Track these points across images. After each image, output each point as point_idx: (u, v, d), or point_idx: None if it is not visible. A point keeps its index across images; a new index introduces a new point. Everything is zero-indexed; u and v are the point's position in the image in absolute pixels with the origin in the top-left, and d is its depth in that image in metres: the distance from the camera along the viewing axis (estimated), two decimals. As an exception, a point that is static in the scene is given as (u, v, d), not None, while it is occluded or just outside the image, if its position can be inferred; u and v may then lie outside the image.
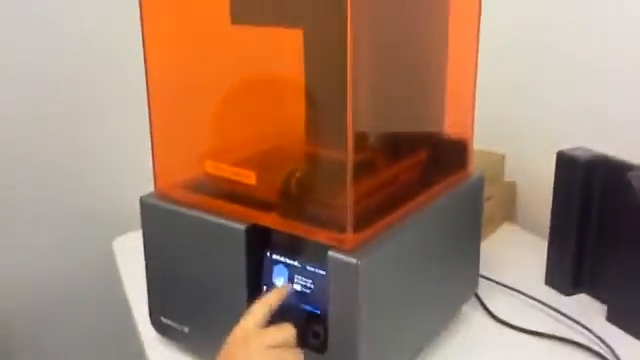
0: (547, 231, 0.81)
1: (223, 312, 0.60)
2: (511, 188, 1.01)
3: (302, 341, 0.53)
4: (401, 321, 0.59)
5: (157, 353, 0.68)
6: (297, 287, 0.57)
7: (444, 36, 0.67)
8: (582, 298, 0.79)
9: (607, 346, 0.67)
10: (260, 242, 0.58)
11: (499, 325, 0.73)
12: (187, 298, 0.63)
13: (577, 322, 0.71)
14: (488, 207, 0.88)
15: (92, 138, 1.04)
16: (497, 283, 0.81)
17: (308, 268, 0.56)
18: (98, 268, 1.04)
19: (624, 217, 0.70)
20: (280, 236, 0.57)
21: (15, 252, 1.02)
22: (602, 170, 0.74)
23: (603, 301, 0.76)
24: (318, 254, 0.53)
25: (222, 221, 0.58)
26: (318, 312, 0.55)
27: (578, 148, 0.77)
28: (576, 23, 0.88)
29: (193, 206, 0.61)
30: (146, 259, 0.66)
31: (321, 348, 0.54)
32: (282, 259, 0.58)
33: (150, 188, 0.65)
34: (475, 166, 0.72)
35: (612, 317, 0.73)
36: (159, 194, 0.64)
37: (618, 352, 0.66)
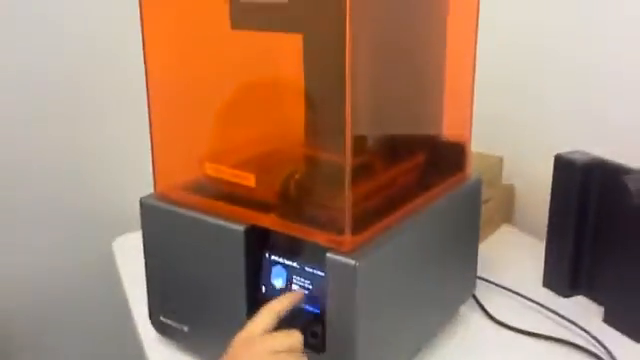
0: (545, 233, 0.81)
1: (222, 312, 0.61)
2: (509, 190, 1.02)
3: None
4: (399, 322, 0.60)
5: (156, 352, 0.69)
6: (296, 288, 0.57)
7: (442, 40, 0.67)
8: (579, 300, 0.79)
9: (604, 348, 0.67)
10: (259, 243, 0.59)
11: (497, 326, 0.74)
12: (186, 298, 0.64)
13: (574, 324, 0.72)
14: (486, 209, 0.89)
15: (92, 139, 1.04)
16: (495, 285, 0.81)
17: (307, 269, 0.56)
18: (98, 268, 1.04)
19: (621, 220, 0.70)
20: (279, 237, 0.58)
21: (15, 252, 1.03)
22: (599, 173, 0.75)
23: (600, 303, 0.77)
24: (316, 255, 0.54)
25: (221, 222, 0.58)
26: (316, 312, 0.55)
27: (576, 151, 0.78)
28: (576, 26, 0.88)
29: (193, 207, 0.61)
30: (146, 259, 0.66)
31: (319, 348, 0.54)
32: (281, 260, 0.58)
33: (150, 189, 0.65)
34: (473, 168, 0.72)
35: (609, 319, 0.73)
36: (159, 195, 0.65)
37: (615, 354, 0.66)
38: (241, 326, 0.57)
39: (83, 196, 1.05)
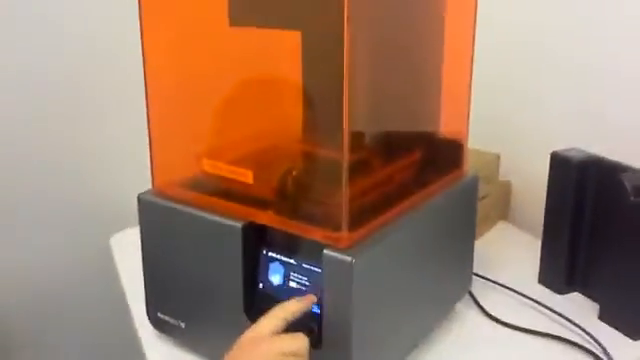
0: (541, 230, 0.82)
1: (219, 308, 0.61)
2: (506, 187, 1.02)
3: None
4: (395, 318, 0.60)
5: (154, 348, 0.69)
6: (293, 284, 0.57)
7: (440, 37, 0.67)
8: (575, 297, 0.80)
9: (599, 344, 0.68)
10: (256, 240, 0.59)
11: (493, 323, 0.74)
12: (184, 294, 0.64)
13: (570, 320, 0.72)
14: (483, 206, 0.89)
15: (91, 136, 1.04)
16: (491, 281, 0.81)
17: (304, 266, 0.57)
18: (96, 264, 1.04)
19: (617, 217, 0.70)
20: (276, 234, 0.58)
21: (14, 248, 1.03)
22: (595, 171, 0.75)
23: (595, 300, 0.77)
24: (314, 252, 0.54)
25: (219, 219, 0.58)
26: (313, 309, 0.55)
27: (572, 149, 0.78)
28: (573, 25, 0.88)
29: (190, 204, 0.61)
30: (143, 256, 0.66)
31: (316, 344, 0.54)
32: (278, 256, 0.58)
33: (148, 185, 0.66)
34: (470, 165, 0.72)
35: (604, 316, 0.74)
36: (157, 191, 0.65)
37: (610, 350, 0.67)
38: (239, 322, 0.58)
39: (81, 192, 1.05)
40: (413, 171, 0.67)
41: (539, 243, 0.82)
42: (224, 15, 0.60)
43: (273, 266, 0.59)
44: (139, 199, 0.65)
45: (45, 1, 0.96)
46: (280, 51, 0.61)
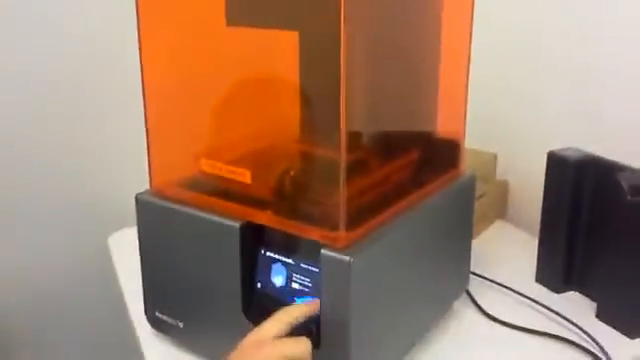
0: (538, 229, 0.82)
1: (218, 308, 0.61)
2: (503, 186, 1.02)
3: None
4: (393, 318, 0.60)
5: (152, 348, 0.69)
6: (291, 284, 0.57)
7: (437, 36, 0.68)
8: (572, 295, 0.80)
9: (596, 343, 0.68)
10: (254, 239, 0.59)
11: (490, 322, 0.74)
12: (182, 294, 0.64)
13: (567, 319, 0.72)
14: (480, 205, 0.90)
15: (89, 136, 1.04)
16: (488, 280, 0.82)
17: (302, 265, 0.57)
18: (94, 263, 1.04)
19: (613, 217, 0.71)
20: (274, 234, 0.58)
21: (12, 248, 1.03)
22: (592, 170, 0.75)
23: (593, 299, 0.77)
24: (312, 252, 0.54)
25: (217, 218, 0.59)
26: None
27: (569, 148, 0.78)
28: (570, 25, 0.88)
29: (188, 203, 0.61)
30: (141, 256, 0.66)
31: (314, 344, 0.54)
32: (276, 256, 0.58)
33: (146, 185, 0.66)
34: (467, 165, 0.73)
35: (601, 314, 0.74)
36: (155, 191, 0.65)
37: (607, 349, 0.67)
38: (237, 322, 0.58)
39: (79, 192, 1.05)
40: (410, 171, 0.67)
41: (536, 242, 0.83)
42: (221, 15, 0.60)
43: (271, 266, 0.59)
44: (137, 199, 0.65)
45: (45, 1, 0.95)
46: (278, 51, 0.61)
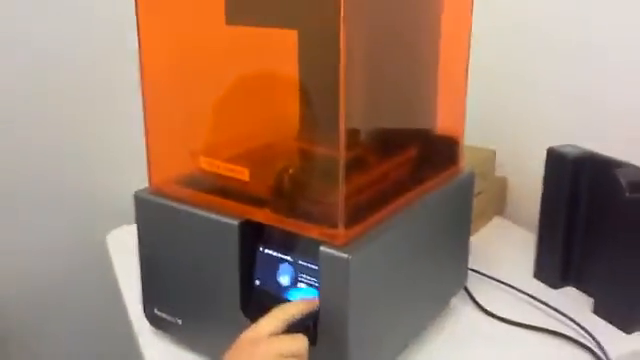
0: (537, 225, 0.82)
1: (216, 306, 0.61)
2: (502, 183, 1.03)
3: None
4: (391, 314, 0.60)
5: (151, 345, 0.69)
6: (289, 282, 0.58)
7: (436, 34, 0.68)
8: (570, 291, 0.80)
9: (593, 338, 0.68)
10: (253, 237, 0.59)
11: (488, 318, 0.74)
12: (181, 291, 0.64)
13: (565, 315, 0.73)
14: (479, 202, 0.90)
15: (89, 133, 1.04)
16: (486, 277, 0.82)
17: (300, 263, 0.57)
18: (93, 261, 1.04)
19: (611, 213, 0.71)
20: (273, 231, 0.58)
21: (12, 244, 1.02)
22: (591, 167, 0.76)
23: (590, 294, 0.78)
24: (310, 249, 0.54)
25: (216, 216, 0.59)
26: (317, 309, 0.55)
27: (568, 145, 0.78)
28: (570, 19, 0.88)
29: (187, 201, 0.61)
30: (140, 253, 0.66)
31: (312, 340, 0.54)
32: (275, 254, 0.59)
33: (145, 182, 0.66)
34: (466, 162, 0.73)
35: (599, 310, 0.74)
36: (153, 189, 0.65)
37: (604, 344, 0.67)
38: (235, 320, 0.58)
39: (78, 189, 1.05)
40: (409, 168, 0.67)
41: (534, 238, 0.83)
42: (221, 13, 0.60)
43: (270, 263, 0.59)
44: (135, 197, 0.65)
45: (46, 4, 0.95)
46: (277, 49, 0.61)
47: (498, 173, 1.01)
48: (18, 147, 1.00)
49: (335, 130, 0.51)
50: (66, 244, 1.06)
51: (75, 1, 0.97)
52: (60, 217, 1.05)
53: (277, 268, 0.58)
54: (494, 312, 0.75)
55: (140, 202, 0.65)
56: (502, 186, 1.03)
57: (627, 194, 0.68)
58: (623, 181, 0.68)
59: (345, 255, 0.51)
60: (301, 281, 0.57)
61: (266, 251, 0.59)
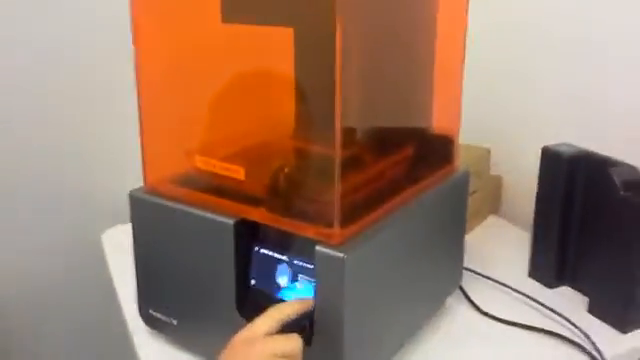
0: (532, 224, 0.82)
1: (212, 305, 0.61)
2: (496, 182, 1.03)
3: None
4: (387, 314, 0.60)
5: (146, 345, 0.69)
6: (285, 281, 0.57)
7: (432, 33, 0.68)
8: (565, 290, 0.81)
9: (588, 338, 0.69)
10: (249, 236, 0.59)
11: (483, 317, 0.75)
12: (176, 291, 0.64)
13: (559, 314, 0.73)
14: (474, 200, 0.90)
15: (84, 132, 1.03)
16: (482, 276, 0.82)
17: (296, 262, 0.57)
18: (87, 260, 1.04)
19: (606, 212, 0.71)
20: (269, 230, 0.58)
21: (6, 245, 1.02)
22: (585, 166, 0.76)
23: (585, 293, 0.78)
24: (306, 249, 0.54)
25: (211, 215, 0.58)
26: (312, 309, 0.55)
27: (563, 144, 0.79)
28: (566, 18, 0.88)
29: (182, 200, 0.61)
30: (135, 253, 0.66)
31: (307, 340, 0.54)
32: (270, 253, 0.58)
33: (140, 181, 0.65)
34: (460, 161, 0.73)
35: (593, 309, 0.75)
36: (148, 188, 0.65)
37: (599, 343, 0.68)
38: (231, 320, 0.58)
39: (73, 188, 1.05)
40: (405, 167, 0.67)
41: (530, 237, 0.83)
42: (216, 11, 0.59)
43: (265, 263, 0.59)
44: (130, 196, 0.64)
45: (46, 5, 0.95)
46: (272, 47, 0.60)
47: (493, 172, 1.01)
48: (14, 147, 0.99)
49: (331, 129, 0.51)
50: (61, 243, 1.06)
51: (71, 6, 0.97)
52: (55, 216, 1.05)
53: (273, 268, 0.58)
54: (489, 312, 0.75)
55: (135, 201, 0.64)
56: (497, 185, 1.03)
57: (621, 193, 0.68)
58: (617, 180, 0.69)
59: (340, 254, 0.51)
60: (297, 280, 0.57)
61: (262, 250, 0.59)
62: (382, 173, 0.65)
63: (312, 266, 0.54)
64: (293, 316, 0.52)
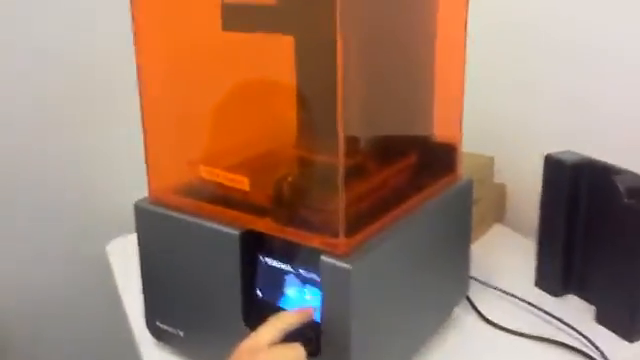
0: (537, 232, 0.82)
1: (218, 316, 0.61)
2: (501, 190, 1.03)
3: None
4: (393, 324, 0.60)
5: (152, 356, 0.69)
6: (291, 291, 0.57)
7: (432, 40, 0.68)
8: (572, 299, 0.80)
9: (596, 347, 0.68)
10: (254, 246, 0.59)
11: (490, 327, 0.74)
12: (182, 302, 0.64)
13: (567, 324, 0.72)
14: (478, 209, 0.90)
15: (88, 142, 1.04)
16: (488, 285, 0.82)
17: (301, 272, 0.57)
18: (93, 271, 1.04)
19: (610, 220, 0.71)
20: (274, 241, 0.58)
21: (11, 254, 1.02)
22: (589, 173, 0.76)
23: (592, 302, 0.77)
24: (311, 259, 0.54)
25: (216, 226, 0.58)
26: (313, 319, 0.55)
27: (566, 151, 0.79)
28: (569, 27, 0.89)
29: (187, 211, 0.61)
30: (141, 263, 0.66)
31: (314, 351, 0.54)
32: (276, 264, 0.58)
33: (145, 191, 0.65)
34: (464, 168, 0.73)
35: (600, 318, 0.74)
36: (153, 199, 0.65)
37: (607, 353, 0.67)
38: (237, 330, 0.58)
39: (78, 199, 1.05)
40: (408, 175, 0.67)
41: (535, 245, 0.83)
42: (217, 20, 0.60)
43: (271, 273, 0.59)
44: (136, 207, 0.64)
45: (46, 5, 0.96)
46: (275, 56, 0.61)
47: (496, 180, 1.01)
48: (17, 154, 1.00)
49: (334, 137, 0.51)
50: (66, 254, 1.06)
51: (74, 14, 0.98)
52: (60, 226, 1.05)
53: (279, 278, 0.58)
54: (496, 321, 0.74)
55: (140, 212, 0.64)
56: (501, 193, 1.03)
57: (625, 200, 0.68)
58: (621, 187, 0.68)
59: (346, 265, 0.51)
60: (303, 291, 0.57)
61: (267, 261, 0.59)
62: (385, 182, 0.65)
63: (318, 276, 0.54)
64: (295, 325, 0.52)
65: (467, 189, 0.73)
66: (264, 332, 0.50)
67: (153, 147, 0.65)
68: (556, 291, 0.81)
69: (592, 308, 0.76)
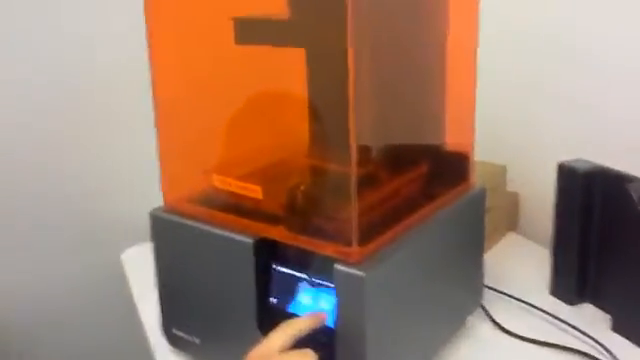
0: (550, 241, 0.82)
1: (233, 324, 0.61)
2: (514, 198, 1.02)
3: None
4: (407, 333, 0.60)
5: (168, 364, 0.69)
6: (305, 299, 0.58)
7: (443, 49, 0.68)
8: (587, 308, 0.79)
9: (613, 356, 0.68)
10: (268, 255, 0.59)
11: (506, 336, 0.74)
12: (198, 310, 0.64)
13: (583, 333, 0.72)
14: (491, 218, 0.89)
15: (104, 151, 1.05)
16: (503, 294, 0.81)
17: (315, 280, 0.57)
18: (108, 280, 1.05)
19: (625, 228, 0.70)
20: (288, 249, 0.58)
21: (26, 264, 1.03)
22: (602, 181, 0.75)
23: (607, 311, 0.77)
24: (325, 267, 0.54)
25: (230, 235, 0.59)
26: (325, 324, 0.55)
27: (578, 160, 0.78)
28: (584, 34, 0.89)
29: (202, 219, 0.62)
30: (157, 272, 0.67)
31: (327, 357, 0.54)
32: (290, 272, 0.59)
33: (159, 200, 0.66)
34: (477, 177, 0.73)
35: (617, 327, 0.73)
36: (168, 208, 0.66)
37: (622, 361, 0.67)
38: (252, 338, 0.58)
39: (93, 208, 1.06)
40: (420, 184, 0.68)
41: (549, 254, 0.82)
42: (231, 32, 0.61)
43: (285, 281, 0.59)
44: (151, 216, 0.65)
45: (54, 16, 0.97)
46: (288, 67, 0.62)
47: (509, 188, 1.00)
48: (33, 164, 1.01)
49: (346, 147, 0.51)
50: (82, 262, 1.07)
51: (85, 26, 0.99)
52: (75, 235, 1.06)
53: (292, 286, 0.58)
54: (512, 330, 0.74)
55: (156, 221, 0.65)
56: (514, 201, 1.02)
57: (639, 208, 0.68)
58: (635, 195, 0.68)
59: (360, 273, 0.52)
60: (317, 298, 0.57)
61: (281, 269, 0.59)
62: (398, 190, 0.65)
63: (332, 284, 0.54)
64: (306, 331, 0.52)
65: (480, 198, 0.73)
66: (275, 338, 0.51)
67: (168, 157, 0.66)
68: (571, 300, 0.80)
69: (608, 317, 0.75)
